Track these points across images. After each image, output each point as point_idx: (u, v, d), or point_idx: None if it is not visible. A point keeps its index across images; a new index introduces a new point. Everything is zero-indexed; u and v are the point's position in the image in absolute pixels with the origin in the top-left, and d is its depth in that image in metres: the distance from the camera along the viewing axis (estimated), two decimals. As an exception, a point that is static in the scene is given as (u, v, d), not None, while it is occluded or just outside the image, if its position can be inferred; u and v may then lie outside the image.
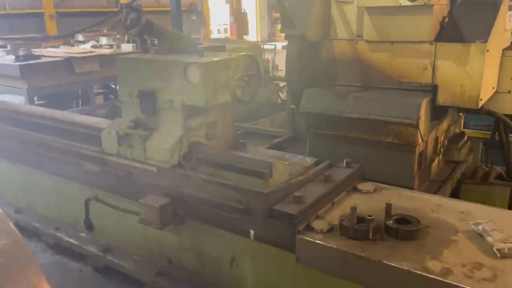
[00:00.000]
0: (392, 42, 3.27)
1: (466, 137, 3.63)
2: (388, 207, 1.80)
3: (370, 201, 2.02)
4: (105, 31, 10.06)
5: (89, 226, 3.02)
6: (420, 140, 3.10)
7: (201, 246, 2.30)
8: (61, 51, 6.44)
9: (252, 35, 18.29)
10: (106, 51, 6.62)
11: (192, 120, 2.18)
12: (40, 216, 3.24)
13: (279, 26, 20.87)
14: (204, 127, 2.25)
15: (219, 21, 18.58)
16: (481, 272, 1.57)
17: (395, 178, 2.96)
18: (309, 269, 1.87)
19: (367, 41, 3.35)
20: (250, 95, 2.17)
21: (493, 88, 3.22)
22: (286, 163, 2.06)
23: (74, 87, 6.42)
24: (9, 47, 7.06)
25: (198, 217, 2.13)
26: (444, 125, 3.46)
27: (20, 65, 5.65)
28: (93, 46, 7.03)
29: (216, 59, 2.08)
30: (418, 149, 3.15)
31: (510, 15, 3.28)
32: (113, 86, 7.17)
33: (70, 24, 12.02)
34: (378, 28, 3.28)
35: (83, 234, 3.06)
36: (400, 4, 3.05)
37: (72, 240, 3.06)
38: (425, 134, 3.19)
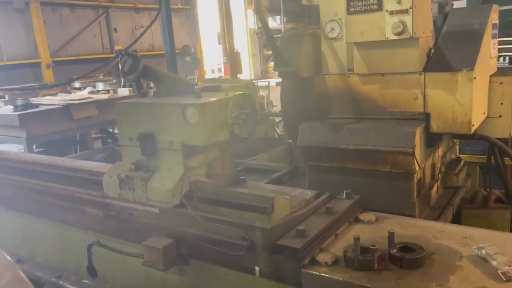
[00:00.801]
0: (382, 74, 3.35)
1: (462, 162, 3.67)
2: (391, 235, 1.81)
3: (373, 231, 2.02)
4: (101, 76, 10.25)
5: (92, 272, 2.98)
6: (417, 168, 3.12)
7: (206, 286, 2.27)
8: (59, 99, 6.54)
9: (246, 73, 18.61)
10: (103, 96, 6.72)
11: (192, 160, 2.21)
12: (42, 264, 3.19)
13: (271, 63, 21.28)
14: (204, 165, 2.28)
15: (212, 61, 18.91)
16: (488, 296, 1.57)
17: (395, 206, 2.97)
18: (317, 304, 1.85)
19: (358, 74, 3.43)
20: (248, 132, 2.21)
21: (484, 113, 3.28)
22: (287, 197, 2.07)
23: (72, 133, 6.49)
24: (7, 97, 7.16)
25: (201, 256, 2.11)
26: (440, 151, 3.50)
27: (18, 115, 5.72)
28: (90, 92, 7.14)
29: (213, 99, 2.13)
30: (416, 177, 3.17)
31: (494, 43, 3.38)
32: (110, 130, 7.23)
33: (66, 72, 12.28)
34: (368, 62, 3.37)
35: (86, 281, 3.01)
36: (387, 38, 3.15)
37: (75, 288, 3.01)
38: (422, 162, 3.21)
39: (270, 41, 3.52)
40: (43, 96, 6.98)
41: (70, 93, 8.20)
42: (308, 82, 3.62)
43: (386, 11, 3.12)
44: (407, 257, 1.77)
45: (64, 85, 8.73)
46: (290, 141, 3.85)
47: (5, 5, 12.00)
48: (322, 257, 1.84)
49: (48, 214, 2.81)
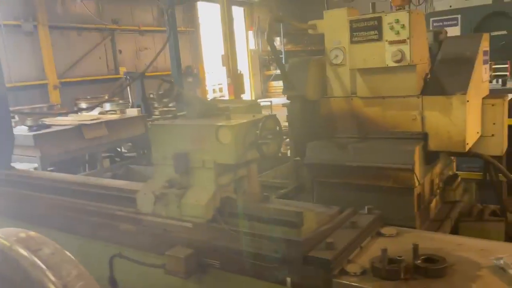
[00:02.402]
0: (383, 97, 3.41)
1: (459, 179, 3.73)
2: (415, 247, 1.83)
3: (395, 243, 2.04)
4: (106, 97, 10.23)
5: (113, 283, 2.94)
6: (417, 183, 3.16)
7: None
8: (71, 119, 6.50)
9: (247, 93, 18.58)
10: (112, 116, 6.69)
11: (222, 177, 2.22)
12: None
13: (271, 83, 21.42)
14: (233, 182, 2.29)
15: (212, 81, 18.80)
16: (511, 303, 1.59)
17: (397, 219, 3.00)
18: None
19: (360, 97, 3.50)
20: (274, 150, 2.25)
21: (478, 132, 3.36)
22: (314, 212, 2.10)
23: (83, 153, 6.43)
24: (17, 118, 7.10)
25: (233, 268, 2.11)
26: (438, 168, 3.56)
27: (33, 135, 5.67)
28: (100, 113, 7.11)
29: (244, 121, 2.17)
30: (416, 191, 3.21)
31: (485, 68, 3.49)
32: (119, 149, 7.17)
33: (72, 92, 12.24)
34: (370, 86, 3.44)
35: (108, 292, 2.96)
36: (387, 65, 3.23)
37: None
38: (421, 178, 3.26)
39: (280, 67, 3.59)
40: (55, 116, 6.93)
41: (78, 113, 8.16)
42: (315, 105, 3.68)
43: (386, 41, 3.21)
44: (432, 267, 1.79)
45: (70, 106, 8.67)
46: (298, 159, 3.88)
47: (14, 28, 11.95)
48: (351, 268, 1.86)
49: (78, 229, 2.77)
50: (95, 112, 7.20)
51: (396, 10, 3.73)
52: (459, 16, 6.23)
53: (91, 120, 6.30)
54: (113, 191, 2.69)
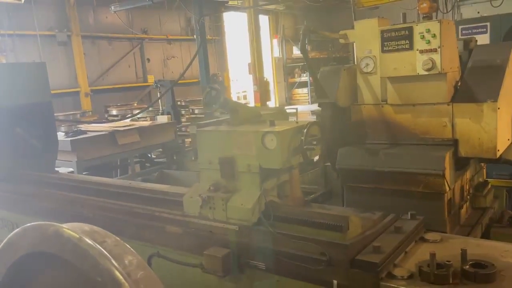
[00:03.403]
0: (414, 105, 3.37)
1: (489, 185, 3.64)
2: (464, 252, 1.79)
3: (439, 249, 1.99)
4: (135, 104, 10.33)
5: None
6: (447, 188, 3.11)
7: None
8: (105, 126, 6.58)
9: (271, 100, 18.55)
10: (144, 123, 6.76)
11: (267, 181, 2.22)
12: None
13: (295, 90, 21.34)
14: (276, 187, 2.28)
15: (237, 89, 18.78)
16: None
17: (428, 224, 2.94)
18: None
19: (391, 104, 3.46)
20: (318, 155, 2.23)
21: (508, 139, 3.28)
22: (357, 217, 2.07)
23: (115, 158, 6.50)
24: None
25: (280, 270, 2.09)
26: (468, 175, 3.48)
27: (71, 140, 5.76)
28: (132, 120, 7.19)
29: (289, 127, 2.16)
30: (447, 196, 3.15)
31: (516, 77, 3.40)
32: (149, 155, 7.22)
33: (102, 100, 12.40)
34: (400, 94, 3.40)
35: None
36: (418, 73, 3.19)
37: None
38: (451, 183, 3.20)
39: (312, 75, 3.57)
40: (90, 123, 7.04)
41: (108, 121, 8.27)
42: (345, 112, 3.65)
43: (417, 50, 3.17)
44: (481, 272, 1.74)
45: (101, 113, 8.79)
46: (328, 164, 3.84)
47: (49, 38, 12.22)
48: (398, 272, 1.82)
49: (120, 230, 2.78)
50: (127, 119, 7.28)
51: (423, 17, 3.68)
52: (488, 23, 6.09)
53: (124, 126, 6.37)
54: (156, 194, 2.69)
